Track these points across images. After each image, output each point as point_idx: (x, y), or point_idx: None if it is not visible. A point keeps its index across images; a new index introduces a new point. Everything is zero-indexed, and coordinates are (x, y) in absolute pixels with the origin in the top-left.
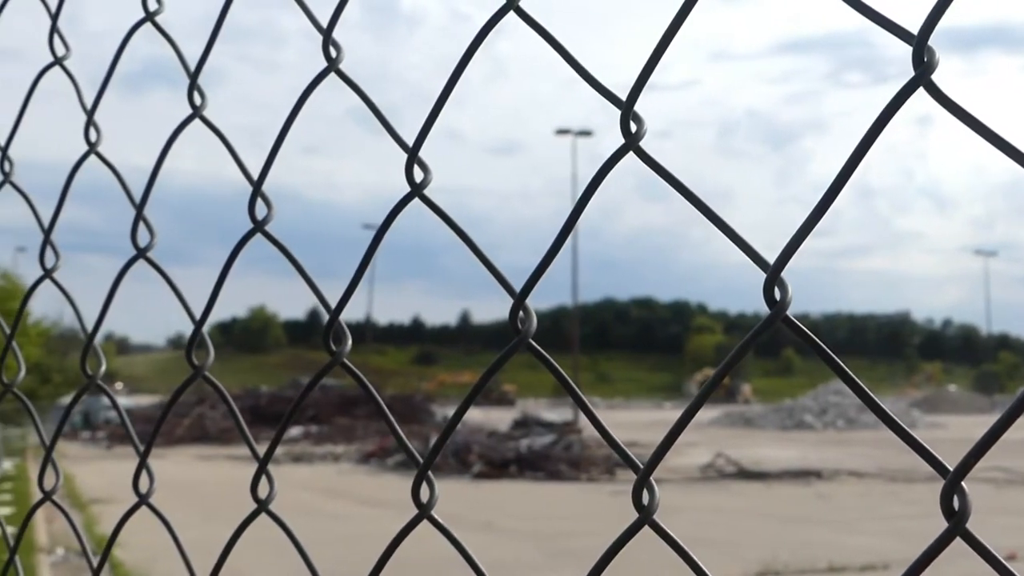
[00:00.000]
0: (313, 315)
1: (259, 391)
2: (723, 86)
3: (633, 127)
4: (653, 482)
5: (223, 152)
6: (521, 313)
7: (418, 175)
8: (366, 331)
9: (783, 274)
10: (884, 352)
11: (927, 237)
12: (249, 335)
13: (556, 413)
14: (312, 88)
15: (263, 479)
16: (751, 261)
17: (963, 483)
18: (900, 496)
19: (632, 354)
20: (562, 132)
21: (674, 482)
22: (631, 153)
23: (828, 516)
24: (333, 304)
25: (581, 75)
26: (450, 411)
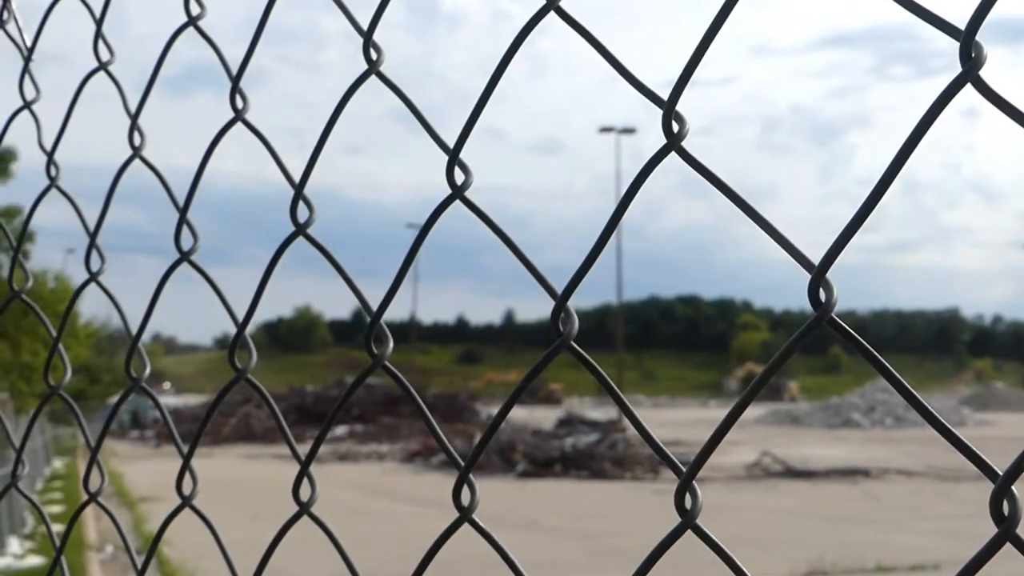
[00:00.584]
0: (358, 315)
1: (304, 390)
2: (765, 81)
3: (675, 127)
4: (696, 485)
5: (265, 153)
6: (562, 314)
7: (459, 177)
8: (410, 330)
9: (828, 274)
10: (933, 349)
11: (975, 231)
12: (295, 334)
13: (600, 412)
14: (353, 91)
15: (304, 481)
16: (795, 261)
17: (1013, 488)
18: (949, 495)
19: (677, 352)
20: (605, 130)
21: (720, 481)
22: (673, 153)
23: (876, 515)
24: (375, 306)
25: (622, 74)
26: (495, 410)
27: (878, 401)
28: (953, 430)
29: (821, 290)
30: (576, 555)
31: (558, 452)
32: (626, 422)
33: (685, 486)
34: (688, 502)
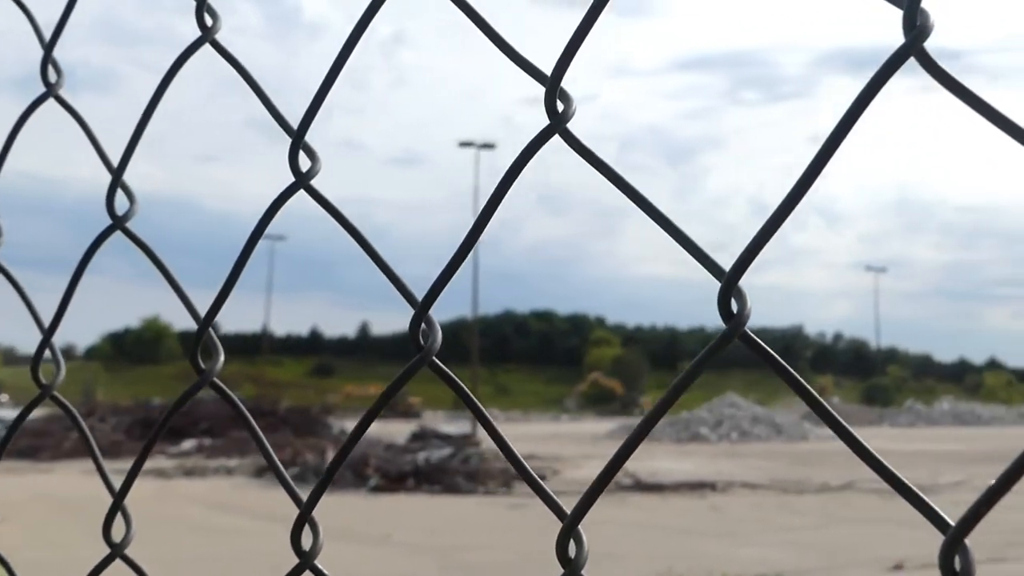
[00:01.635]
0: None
1: (151, 403)
2: (623, 101)
3: (560, 106)
4: (581, 531)
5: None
6: (424, 325)
7: (304, 163)
8: (263, 342)
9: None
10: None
11: (820, 252)
12: (142, 346)
13: (455, 426)
14: (184, 59)
15: (118, 517)
16: (704, 268)
17: (967, 540)
18: (792, 507)
19: (531, 366)
20: (465, 144)
21: (572, 494)
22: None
23: (722, 528)
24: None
25: (504, 50)
26: (349, 424)
27: (725, 416)
28: (886, 464)
29: (733, 300)
30: (429, 570)
31: (411, 466)
32: (481, 436)
33: (569, 531)
34: (572, 550)
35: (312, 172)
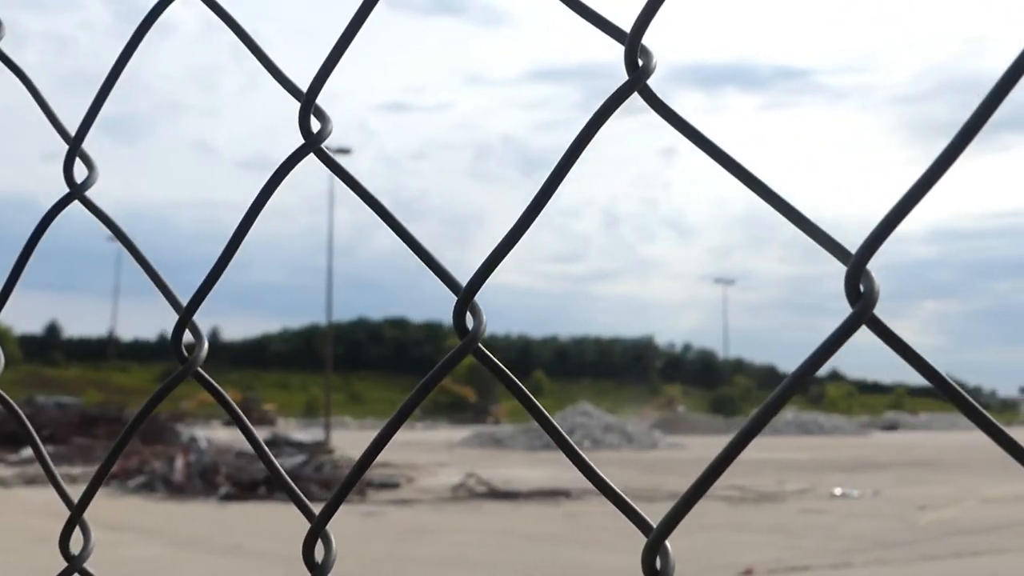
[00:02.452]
0: (51, 329)
1: None
2: (478, 110)
3: (316, 125)
4: (668, 545)
5: None
6: (188, 335)
7: (79, 173)
8: (109, 347)
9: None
10: (629, 375)
11: (670, 264)
12: None
13: (307, 433)
14: None
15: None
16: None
17: (667, 542)
18: (645, 513)
19: (385, 374)
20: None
21: (426, 502)
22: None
23: (577, 535)
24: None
25: (266, 67)
26: (200, 432)
27: (578, 424)
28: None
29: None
30: None
31: (263, 474)
32: (333, 443)
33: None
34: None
35: (88, 183)
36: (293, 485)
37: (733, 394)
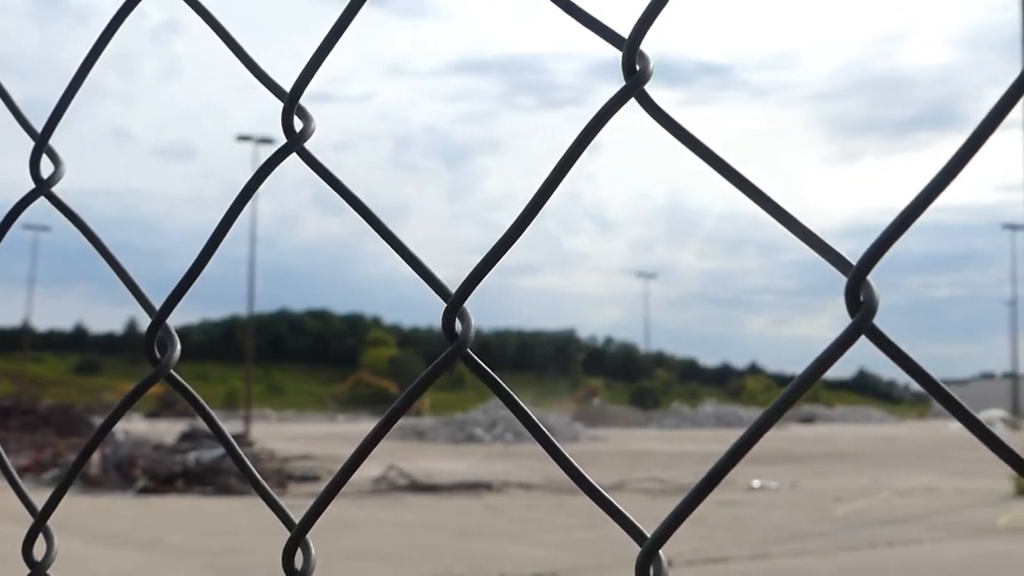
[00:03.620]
0: None
1: None
2: (400, 101)
3: (298, 124)
4: (662, 555)
5: None
6: (161, 333)
7: (46, 169)
8: (23, 337)
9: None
10: (551, 367)
11: (592, 257)
12: None
13: (227, 425)
14: None
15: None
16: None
17: (661, 552)
18: (565, 507)
19: (306, 366)
20: (244, 139)
21: (347, 496)
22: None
23: (498, 527)
24: None
25: (248, 66)
26: (120, 424)
27: (499, 417)
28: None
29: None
30: (199, 573)
31: (181, 467)
32: (253, 436)
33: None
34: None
35: (55, 178)
36: (272, 493)
37: (654, 387)
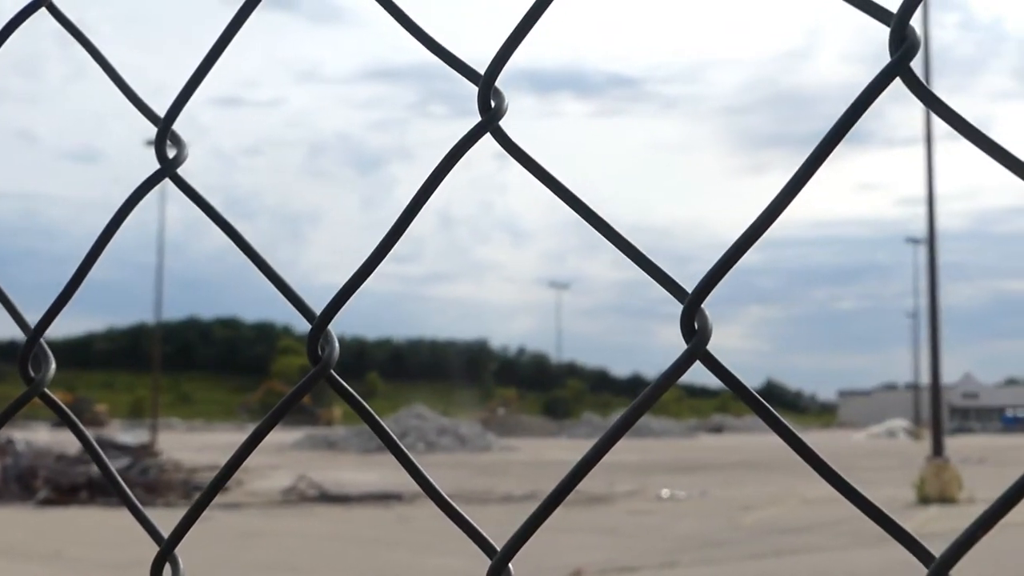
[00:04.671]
0: None
1: None
2: (312, 107)
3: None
4: (511, 568)
5: None
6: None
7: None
8: None
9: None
10: (464, 377)
11: (504, 267)
12: None
13: (133, 435)
14: None
15: None
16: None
17: (511, 566)
18: (477, 516)
19: (215, 374)
20: (151, 143)
21: (256, 506)
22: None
23: (409, 538)
24: None
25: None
26: (17, 433)
27: (411, 427)
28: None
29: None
30: None
31: (84, 478)
32: (160, 446)
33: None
34: None
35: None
36: (139, 506)
37: (566, 396)
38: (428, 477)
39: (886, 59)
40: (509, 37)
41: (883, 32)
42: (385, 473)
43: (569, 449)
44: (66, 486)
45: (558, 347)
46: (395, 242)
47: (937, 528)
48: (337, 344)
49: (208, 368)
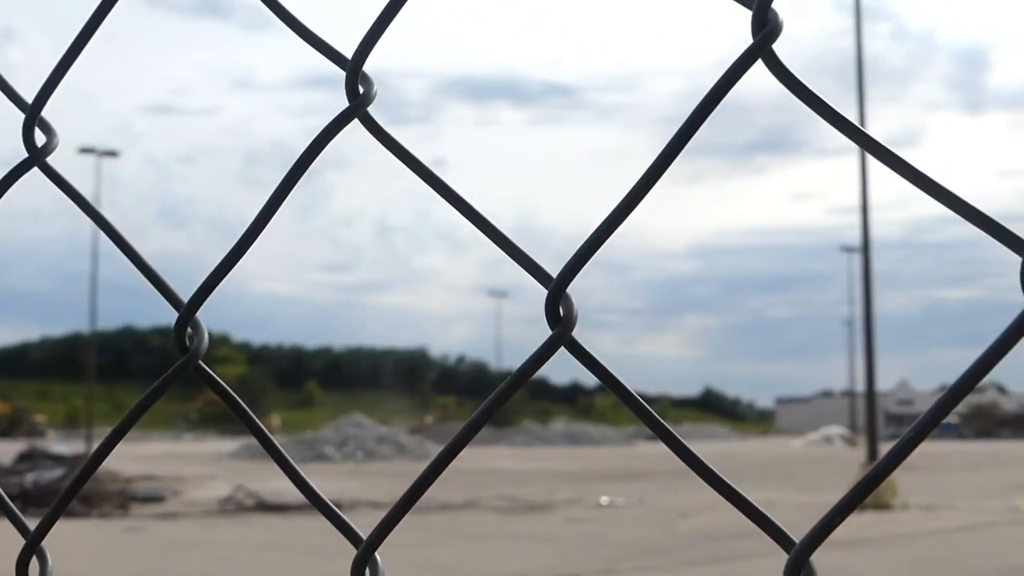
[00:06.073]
0: None
1: None
2: (246, 115)
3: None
4: (378, 557)
5: None
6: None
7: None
8: None
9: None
10: (403, 386)
11: (442, 275)
12: None
13: (68, 445)
14: None
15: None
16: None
17: (376, 554)
18: (416, 525)
19: (151, 384)
20: (86, 151)
21: (193, 516)
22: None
23: (348, 547)
24: None
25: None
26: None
27: (350, 435)
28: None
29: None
30: None
31: (18, 489)
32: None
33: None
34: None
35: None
36: (6, 498)
37: (505, 405)
38: (298, 470)
39: (820, 68)
40: (375, 22)
41: (819, 42)
42: (324, 481)
43: (509, 457)
44: None
45: (498, 355)
46: (261, 230)
47: (871, 534)
48: (206, 334)
49: (144, 377)
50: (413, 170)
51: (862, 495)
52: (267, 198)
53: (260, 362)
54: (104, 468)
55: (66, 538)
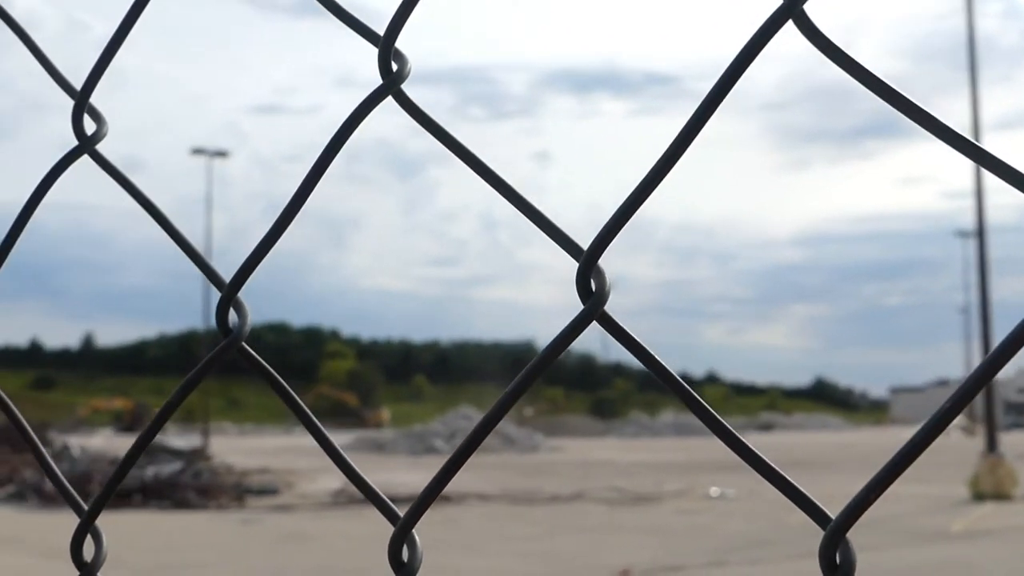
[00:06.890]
0: None
1: None
2: (349, 112)
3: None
4: (415, 535)
5: None
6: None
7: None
8: None
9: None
10: (510, 378)
11: (547, 268)
12: None
13: (185, 440)
14: None
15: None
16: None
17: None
18: (523, 517)
19: (265, 379)
20: (198, 152)
21: (306, 508)
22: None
23: (456, 539)
24: None
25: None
26: (73, 439)
27: (459, 428)
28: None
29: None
30: None
31: (138, 482)
32: (212, 450)
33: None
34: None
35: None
36: (60, 475)
37: (613, 397)
38: (339, 449)
39: (930, 51)
40: None
41: (922, 24)
42: (433, 474)
43: (617, 449)
44: (120, 490)
45: (604, 347)
46: (298, 209)
47: (992, 525)
48: (249, 315)
49: (257, 373)
50: (448, 147)
51: (899, 470)
52: (303, 177)
53: (369, 357)
54: (221, 462)
55: (185, 529)
